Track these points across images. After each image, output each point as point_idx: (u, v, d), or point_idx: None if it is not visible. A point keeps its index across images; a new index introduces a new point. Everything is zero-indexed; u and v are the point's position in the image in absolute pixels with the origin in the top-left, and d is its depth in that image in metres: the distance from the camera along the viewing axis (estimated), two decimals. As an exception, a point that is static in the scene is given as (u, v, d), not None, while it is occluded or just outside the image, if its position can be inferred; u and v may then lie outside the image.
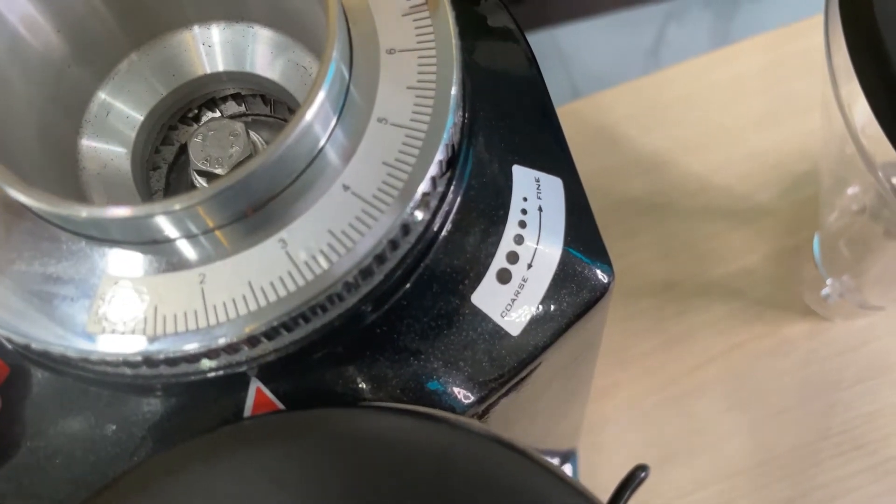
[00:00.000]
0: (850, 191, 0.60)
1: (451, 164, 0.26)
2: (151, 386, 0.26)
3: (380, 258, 0.24)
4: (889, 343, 0.62)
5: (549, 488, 0.23)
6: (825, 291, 0.60)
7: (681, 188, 0.67)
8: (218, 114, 0.33)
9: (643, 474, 0.45)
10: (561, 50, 1.13)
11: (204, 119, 0.33)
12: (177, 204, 0.23)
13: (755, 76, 0.71)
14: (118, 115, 0.30)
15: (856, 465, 0.59)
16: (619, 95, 0.71)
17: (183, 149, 0.33)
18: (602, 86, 0.72)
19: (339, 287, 0.24)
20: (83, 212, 0.23)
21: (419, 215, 0.25)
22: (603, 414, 0.61)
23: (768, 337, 0.63)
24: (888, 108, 0.35)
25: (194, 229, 0.24)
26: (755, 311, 0.64)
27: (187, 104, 0.32)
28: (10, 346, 0.27)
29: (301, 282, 0.24)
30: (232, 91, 0.33)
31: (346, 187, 0.24)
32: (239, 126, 0.30)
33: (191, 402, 0.26)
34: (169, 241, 0.24)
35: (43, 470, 0.27)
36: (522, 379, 0.30)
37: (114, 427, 0.27)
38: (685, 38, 1.12)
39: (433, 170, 0.24)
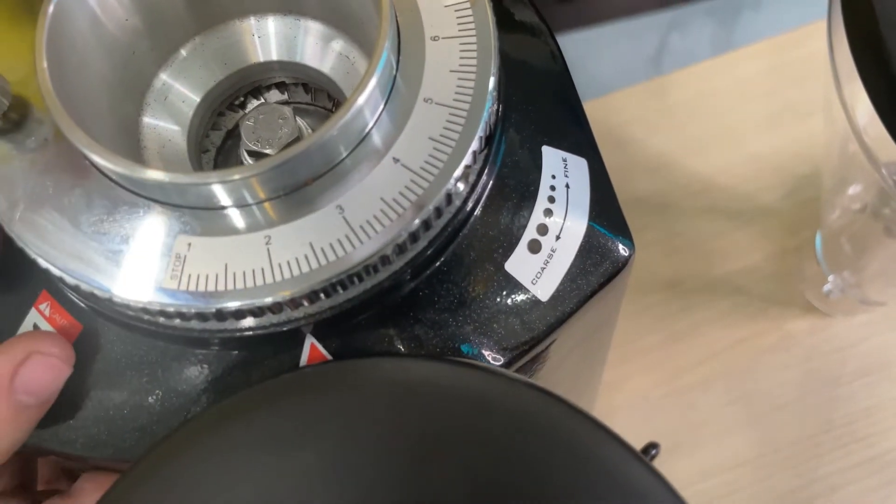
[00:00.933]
0: (852, 190, 0.63)
1: (487, 142, 0.30)
2: (216, 340, 0.29)
3: (426, 224, 0.28)
4: (888, 339, 0.65)
5: (584, 430, 0.26)
6: (827, 287, 0.64)
7: (685, 189, 0.71)
8: (263, 101, 0.36)
9: (654, 451, 0.48)
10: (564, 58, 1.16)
11: (250, 106, 0.36)
12: (244, 172, 0.26)
13: (758, 81, 0.75)
14: (177, 96, 0.33)
15: (856, 458, 0.63)
16: (626, 98, 0.74)
17: (230, 134, 0.36)
18: (606, 93, 0.75)
19: (389, 249, 0.27)
20: (168, 178, 0.26)
21: (461, 186, 0.29)
22: (610, 405, 0.64)
23: (771, 333, 0.66)
24: (890, 107, 0.38)
25: (261, 196, 0.27)
26: (758, 307, 0.67)
27: (235, 91, 0.36)
28: (83, 305, 0.30)
29: (357, 243, 0.27)
30: (277, 80, 0.36)
31: (396, 160, 0.28)
32: (287, 111, 0.33)
33: (251, 357, 0.30)
34: (238, 206, 0.27)
35: (111, 420, 0.30)
36: (547, 347, 0.33)
37: (179, 379, 0.30)
38: (687, 47, 1.16)
39: (474, 144, 0.28)
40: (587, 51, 1.17)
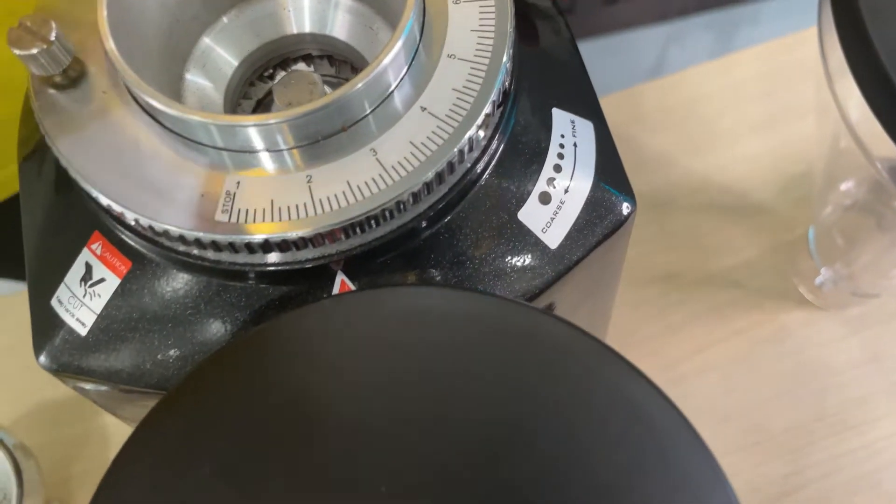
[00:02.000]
0: (843, 187, 0.68)
1: (504, 98, 0.34)
2: (257, 274, 0.33)
3: (451, 166, 0.32)
4: (879, 331, 0.69)
5: (588, 348, 0.31)
6: (819, 280, 0.68)
7: (683, 186, 0.75)
8: (293, 70, 0.41)
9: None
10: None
11: (278, 77, 0.41)
12: (291, 114, 0.31)
13: (752, 84, 0.79)
14: (218, 60, 0.37)
15: (848, 445, 0.66)
16: (625, 99, 0.79)
17: (259, 103, 0.40)
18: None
19: (419, 187, 0.31)
20: (226, 122, 0.30)
21: (481, 134, 0.33)
22: (609, 393, 0.68)
23: (766, 325, 0.70)
24: (881, 100, 0.42)
25: (302, 140, 0.32)
26: (753, 300, 0.71)
27: (266, 62, 0.40)
28: (133, 243, 0.34)
29: (389, 181, 0.31)
30: (304, 52, 0.41)
31: (423, 108, 0.32)
32: (316, 76, 0.38)
33: (287, 291, 0.34)
34: (281, 149, 0.32)
35: (156, 350, 0.34)
36: (553, 301, 0.37)
37: (220, 311, 0.34)
38: (686, 60, 1.21)
39: (494, 95, 0.32)
40: (586, 62, 1.22)
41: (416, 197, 0.32)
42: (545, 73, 0.37)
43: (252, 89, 0.40)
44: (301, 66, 0.41)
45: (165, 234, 0.31)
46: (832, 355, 0.69)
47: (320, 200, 0.31)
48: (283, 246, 0.31)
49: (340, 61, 0.41)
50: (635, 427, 0.30)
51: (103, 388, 0.36)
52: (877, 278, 0.66)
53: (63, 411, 0.66)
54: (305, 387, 0.30)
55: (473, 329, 0.30)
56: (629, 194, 0.37)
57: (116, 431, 0.65)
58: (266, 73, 0.41)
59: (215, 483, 0.29)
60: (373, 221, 0.31)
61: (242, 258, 0.32)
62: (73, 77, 0.34)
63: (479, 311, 0.31)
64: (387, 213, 0.32)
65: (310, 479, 0.29)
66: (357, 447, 0.29)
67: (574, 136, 0.36)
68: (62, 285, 0.35)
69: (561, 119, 0.36)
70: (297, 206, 0.31)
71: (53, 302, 0.35)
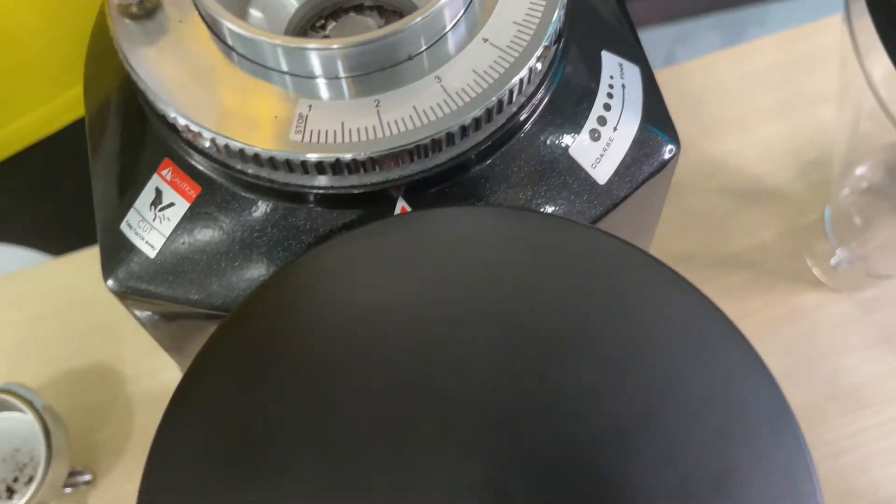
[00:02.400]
0: (859, 171, 0.71)
1: (558, 37, 0.36)
2: (323, 197, 0.35)
3: (510, 95, 0.34)
4: (892, 313, 0.71)
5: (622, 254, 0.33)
6: (834, 260, 0.70)
7: (699, 170, 0.77)
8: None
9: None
10: None
11: (329, 27, 0.43)
12: (360, 38, 0.33)
13: (766, 72, 0.82)
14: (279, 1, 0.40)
15: (860, 424, 0.69)
16: (642, 86, 0.81)
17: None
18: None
19: (481, 112, 0.34)
20: (301, 44, 0.33)
21: (539, 66, 0.35)
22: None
23: (780, 306, 0.72)
24: None
25: (370, 67, 0.34)
26: (768, 282, 0.73)
27: (320, 11, 0.42)
28: (202, 168, 0.36)
29: (454, 106, 0.33)
30: (355, 3, 0.43)
31: (485, 39, 0.34)
32: (371, 21, 0.40)
33: (350, 215, 0.36)
34: (352, 76, 0.34)
35: (223, 272, 0.36)
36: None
37: (285, 234, 0.36)
38: (693, 61, 1.24)
39: (552, 28, 0.34)
40: (593, 62, 1.24)
41: (477, 123, 0.34)
42: (594, 18, 0.40)
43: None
44: (352, 16, 0.43)
45: (240, 153, 0.34)
46: (845, 336, 0.71)
47: (388, 123, 0.33)
48: (352, 167, 0.33)
49: (390, 13, 0.43)
50: (689, 332, 0.32)
51: (166, 313, 0.38)
52: (892, 259, 0.69)
53: (88, 379, 0.68)
54: (369, 301, 0.32)
55: (538, 246, 0.33)
56: (673, 136, 0.39)
57: (141, 400, 0.67)
58: (318, 24, 0.43)
59: (281, 395, 0.31)
60: (436, 145, 0.34)
61: (310, 180, 0.34)
62: (149, 9, 0.36)
63: (541, 228, 0.33)
64: (450, 138, 0.34)
65: (379, 386, 0.31)
66: (425, 357, 0.31)
67: (622, 78, 0.39)
68: (132, 210, 0.37)
69: (610, 62, 0.39)
70: (366, 129, 0.33)
71: (123, 226, 0.37)
